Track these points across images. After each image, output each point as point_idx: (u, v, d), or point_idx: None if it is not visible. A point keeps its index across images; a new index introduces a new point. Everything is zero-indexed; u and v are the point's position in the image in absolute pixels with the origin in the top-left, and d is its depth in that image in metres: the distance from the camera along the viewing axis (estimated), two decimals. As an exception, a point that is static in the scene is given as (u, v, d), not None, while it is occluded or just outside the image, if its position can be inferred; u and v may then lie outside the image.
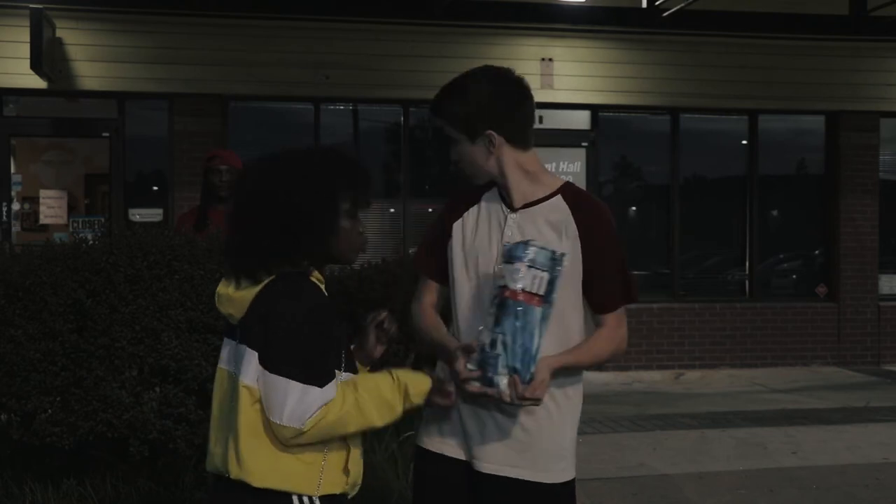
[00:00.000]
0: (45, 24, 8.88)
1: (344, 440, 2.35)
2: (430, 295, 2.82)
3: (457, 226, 2.75)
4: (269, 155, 2.44)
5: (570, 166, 10.71)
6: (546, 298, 2.42)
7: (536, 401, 2.46)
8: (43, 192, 10.51)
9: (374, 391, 2.33)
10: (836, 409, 8.37)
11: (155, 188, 10.27)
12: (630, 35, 10.53)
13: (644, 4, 10.00)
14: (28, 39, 8.82)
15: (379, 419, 2.33)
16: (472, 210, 2.76)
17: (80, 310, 4.50)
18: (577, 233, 2.64)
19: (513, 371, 2.41)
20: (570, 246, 2.61)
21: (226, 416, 2.37)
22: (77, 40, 9.55)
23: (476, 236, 2.71)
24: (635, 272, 11.17)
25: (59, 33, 9.40)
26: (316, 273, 2.37)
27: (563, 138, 10.69)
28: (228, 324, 2.42)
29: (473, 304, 2.66)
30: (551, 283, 2.42)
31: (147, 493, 4.67)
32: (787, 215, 11.71)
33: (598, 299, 2.68)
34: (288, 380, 2.22)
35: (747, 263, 11.34)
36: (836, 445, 7.04)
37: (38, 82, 9.28)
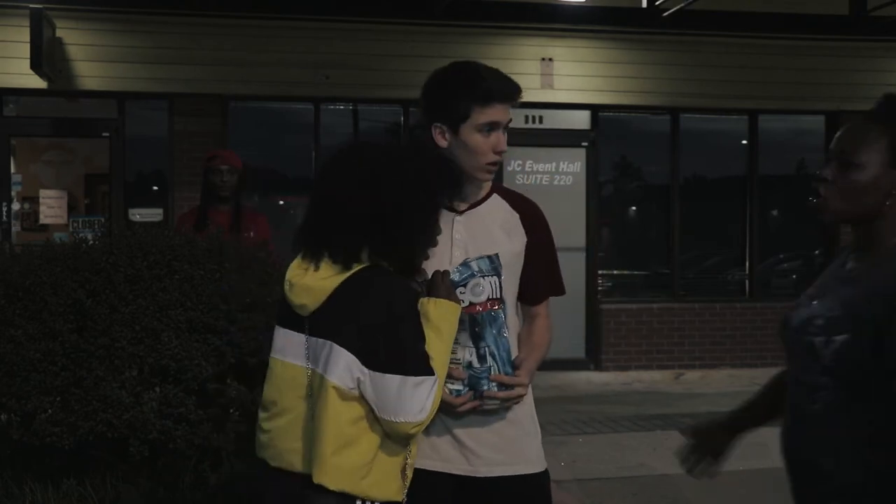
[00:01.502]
0: (45, 24, 8.88)
1: (406, 446, 2.36)
2: None
3: None
4: (384, 142, 2.55)
5: (570, 166, 10.71)
6: (502, 299, 2.51)
7: (524, 386, 2.55)
8: (43, 192, 10.51)
9: (433, 340, 2.32)
10: (836, 409, 8.35)
11: (155, 188, 10.27)
12: (630, 35, 10.53)
13: (644, 4, 9.99)
14: (28, 39, 8.82)
15: (445, 348, 2.34)
16: None
17: (80, 310, 4.50)
18: (522, 230, 2.73)
19: (505, 374, 2.49)
20: (518, 243, 2.71)
21: (300, 414, 2.33)
22: (77, 40, 9.55)
23: None
24: (635, 272, 11.24)
25: (59, 33, 9.40)
26: (391, 269, 2.36)
27: (563, 138, 10.69)
28: (292, 313, 2.35)
29: None
30: (501, 283, 2.51)
31: (147, 493, 4.67)
32: (787, 215, 11.71)
33: (535, 291, 2.78)
34: (404, 377, 2.22)
35: (747, 263, 11.34)
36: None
37: (38, 82, 9.28)
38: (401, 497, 2.36)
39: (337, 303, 2.26)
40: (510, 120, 2.67)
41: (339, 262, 2.29)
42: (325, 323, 2.27)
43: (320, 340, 2.28)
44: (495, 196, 2.76)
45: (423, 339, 2.28)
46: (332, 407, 2.25)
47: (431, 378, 2.25)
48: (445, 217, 2.67)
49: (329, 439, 2.24)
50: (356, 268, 2.29)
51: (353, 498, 2.27)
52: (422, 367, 2.25)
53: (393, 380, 2.22)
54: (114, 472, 4.76)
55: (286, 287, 2.37)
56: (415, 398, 2.22)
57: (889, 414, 2.03)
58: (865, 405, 2.06)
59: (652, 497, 5.73)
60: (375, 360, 2.23)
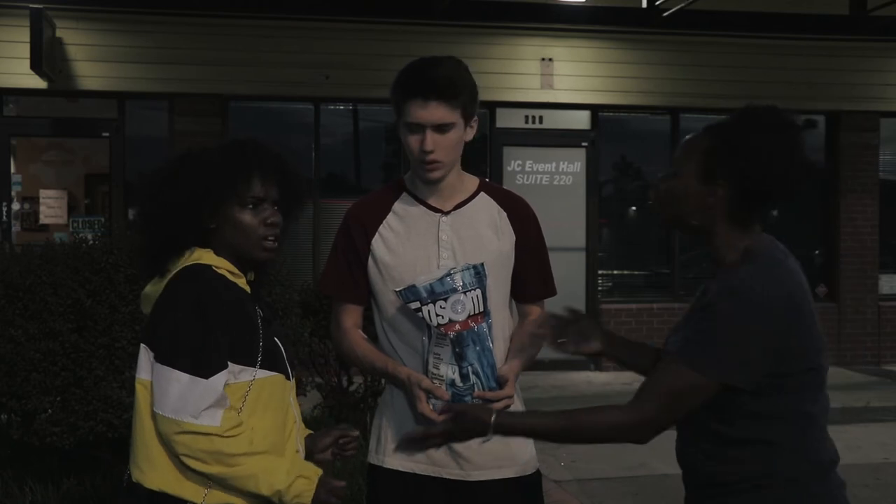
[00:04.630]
0: (45, 24, 8.88)
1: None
2: (351, 318, 2.69)
3: (376, 243, 2.63)
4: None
5: (570, 166, 10.71)
6: (485, 311, 2.44)
7: (510, 397, 2.49)
8: (43, 192, 10.51)
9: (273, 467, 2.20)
10: (836, 409, 8.29)
11: (155, 188, 10.25)
12: (630, 35, 10.52)
13: (644, 4, 9.99)
14: (28, 39, 8.82)
15: (266, 487, 2.18)
16: (388, 223, 2.65)
17: (80, 310, 4.50)
18: (511, 228, 2.67)
19: (488, 389, 2.44)
20: (507, 242, 2.66)
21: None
22: (77, 40, 9.55)
23: (406, 250, 2.61)
24: (635, 272, 11.24)
25: (59, 33, 9.40)
26: (228, 266, 2.28)
27: (563, 138, 10.69)
28: None
29: (414, 321, 2.56)
30: (484, 296, 2.43)
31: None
32: (787, 215, 11.70)
33: (529, 290, 2.73)
34: (171, 369, 2.13)
35: (747, 263, 11.32)
36: (837, 445, 7.02)
37: (38, 82, 9.28)
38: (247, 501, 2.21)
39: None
40: (446, 122, 2.51)
41: (153, 271, 2.31)
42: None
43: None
44: (482, 194, 2.68)
45: (212, 339, 2.17)
46: (141, 401, 2.21)
47: (203, 382, 2.13)
48: (430, 218, 2.63)
49: (142, 437, 2.20)
50: (178, 267, 2.26)
51: (173, 498, 2.19)
52: (197, 366, 2.14)
53: (163, 370, 2.15)
54: (114, 472, 4.77)
55: (141, 301, 2.40)
56: (181, 397, 2.12)
57: (736, 421, 2.07)
58: (716, 415, 2.09)
59: (652, 497, 5.73)
60: (155, 348, 2.18)
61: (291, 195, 2.37)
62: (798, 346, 2.06)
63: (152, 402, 2.17)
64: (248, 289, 2.32)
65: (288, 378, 2.35)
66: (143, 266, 2.36)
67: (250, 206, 2.28)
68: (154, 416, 2.17)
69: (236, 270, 2.30)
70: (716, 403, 2.06)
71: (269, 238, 2.30)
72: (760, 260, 2.09)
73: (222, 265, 2.27)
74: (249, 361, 2.24)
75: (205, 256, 2.27)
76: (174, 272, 2.25)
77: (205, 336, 2.16)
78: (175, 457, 2.18)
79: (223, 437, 2.13)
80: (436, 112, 2.50)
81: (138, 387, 2.22)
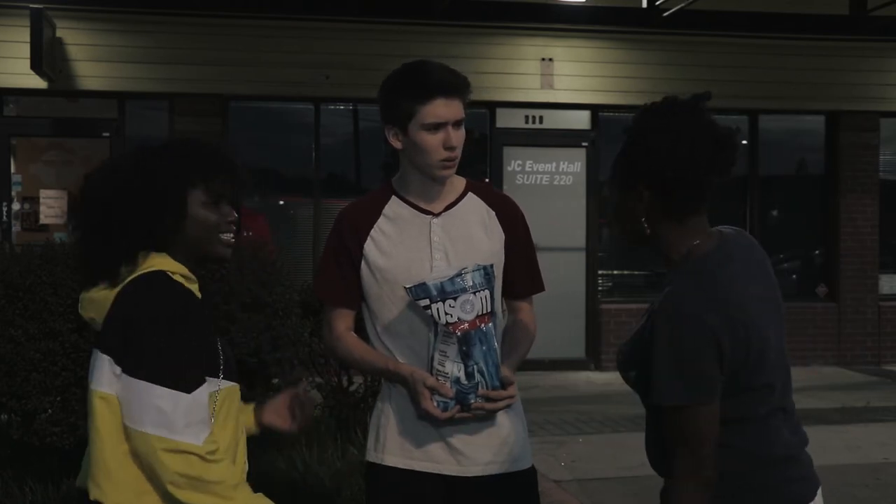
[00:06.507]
0: (45, 24, 8.89)
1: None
2: (344, 322, 2.70)
3: (368, 247, 2.65)
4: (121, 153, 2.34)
5: (570, 166, 10.71)
6: (493, 312, 2.47)
7: (511, 397, 2.52)
8: (43, 192, 10.50)
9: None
10: (836, 409, 8.36)
11: (155, 188, 10.25)
12: (630, 35, 10.53)
13: (644, 4, 9.99)
14: (28, 39, 8.83)
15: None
16: (380, 226, 2.66)
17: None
18: (500, 227, 2.71)
19: (492, 388, 2.47)
20: (497, 241, 2.70)
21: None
22: (77, 40, 9.56)
23: (399, 253, 2.63)
24: (635, 272, 11.23)
25: (59, 33, 9.40)
26: (183, 270, 2.20)
27: (563, 138, 10.69)
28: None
29: (409, 322, 2.59)
30: (492, 296, 2.47)
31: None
32: (787, 215, 11.71)
33: (519, 288, 2.77)
34: (149, 384, 2.04)
35: (747, 263, 11.31)
36: (836, 445, 7.04)
37: (38, 82, 9.29)
38: None
39: (110, 312, 2.14)
40: (462, 117, 2.59)
41: (104, 276, 2.18)
42: (101, 334, 2.16)
43: (96, 351, 2.15)
44: (470, 195, 2.72)
45: (188, 351, 2.10)
46: (99, 416, 2.10)
47: (187, 397, 2.05)
48: (421, 220, 2.65)
49: (101, 453, 2.10)
50: (134, 274, 2.16)
51: None
52: (178, 380, 2.05)
53: (138, 385, 2.05)
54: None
55: (79, 305, 2.28)
56: (162, 412, 2.03)
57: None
58: (654, 418, 2.18)
59: (652, 497, 5.71)
60: (126, 362, 2.07)
61: (240, 191, 2.35)
62: (731, 355, 2.04)
63: (124, 416, 2.07)
64: (199, 294, 2.25)
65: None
66: (94, 274, 2.21)
67: (213, 204, 2.24)
68: (127, 432, 2.07)
69: (191, 276, 2.23)
70: (652, 408, 2.10)
71: (230, 234, 2.28)
72: (693, 268, 2.12)
73: (178, 270, 2.19)
74: (214, 372, 2.18)
75: (161, 262, 2.18)
76: (129, 279, 2.15)
77: (182, 348, 2.09)
78: (138, 471, 2.09)
79: (203, 458, 2.05)
80: (457, 108, 2.58)
81: (97, 401, 2.10)
